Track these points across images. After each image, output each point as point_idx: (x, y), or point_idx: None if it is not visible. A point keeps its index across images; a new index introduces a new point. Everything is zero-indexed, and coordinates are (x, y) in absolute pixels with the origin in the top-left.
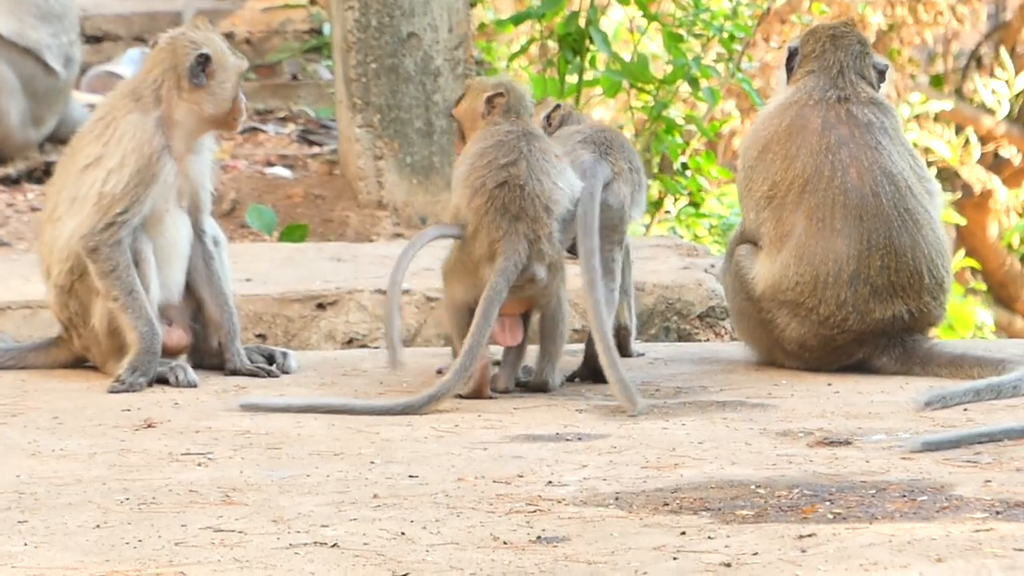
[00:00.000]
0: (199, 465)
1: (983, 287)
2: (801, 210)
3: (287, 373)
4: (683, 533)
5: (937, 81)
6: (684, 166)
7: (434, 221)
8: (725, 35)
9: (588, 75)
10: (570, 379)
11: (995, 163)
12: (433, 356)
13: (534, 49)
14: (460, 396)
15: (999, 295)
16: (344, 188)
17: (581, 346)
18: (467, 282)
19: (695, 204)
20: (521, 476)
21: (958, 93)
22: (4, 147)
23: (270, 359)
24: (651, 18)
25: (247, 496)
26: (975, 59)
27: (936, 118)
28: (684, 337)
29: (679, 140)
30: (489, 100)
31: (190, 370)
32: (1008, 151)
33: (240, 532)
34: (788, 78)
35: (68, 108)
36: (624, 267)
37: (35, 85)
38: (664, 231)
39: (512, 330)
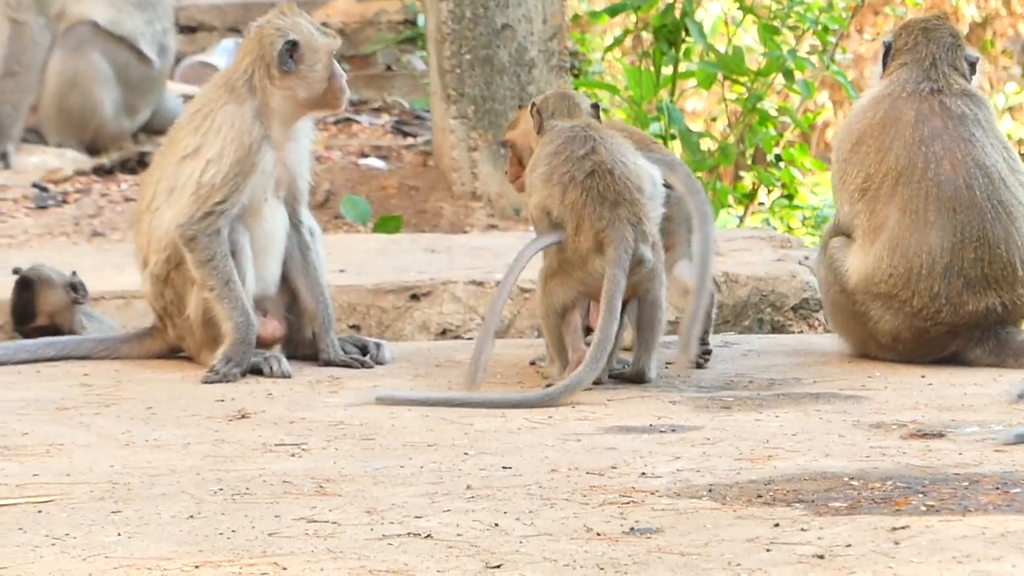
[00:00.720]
0: (293, 456)
1: None
2: (895, 202)
3: (381, 364)
4: (776, 525)
5: None
6: (778, 158)
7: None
8: (819, 27)
9: (682, 67)
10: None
11: None
12: (527, 347)
13: (629, 41)
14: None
15: None
16: (438, 179)
17: (675, 338)
18: (573, 280)
19: (788, 196)
20: (614, 467)
21: None
22: (98, 137)
23: (364, 350)
24: (746, 10)
25: (341, 487)
26: None
27: None
28: (777, 329)
29: (773, 132)
30: (533, 109)
31: (284, 361)
32: None
33: (334, 523)
34: (883, 72)
35: (162, 98)
36: None
37: (129, 74)
38: (758, 223)
39: None
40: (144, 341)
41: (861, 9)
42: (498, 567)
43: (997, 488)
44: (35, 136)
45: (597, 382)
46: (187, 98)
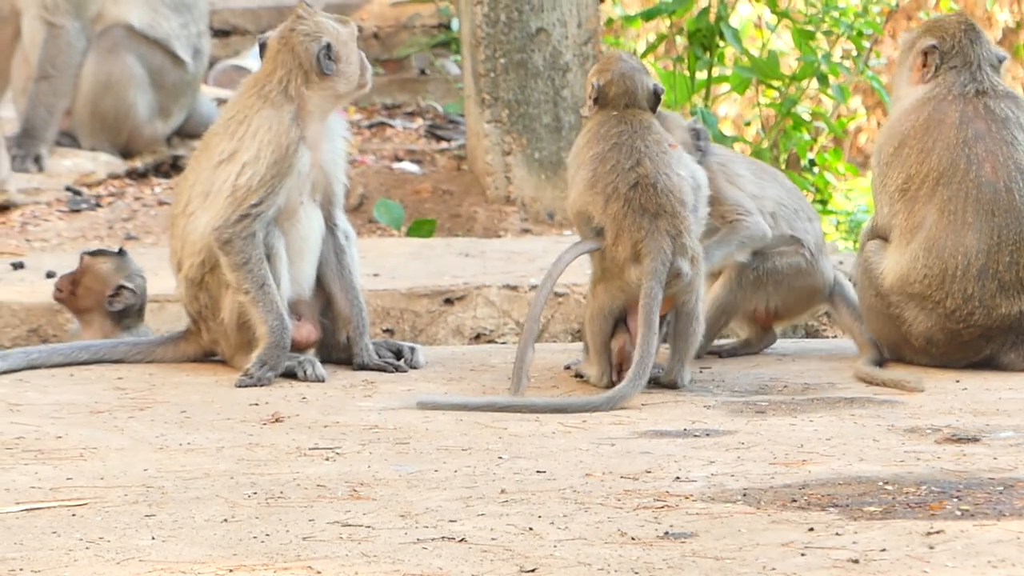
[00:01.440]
0: (327, 460)
1: None
2: (934, 202)
3: (415, 368)
4: (811, 529)
5: None
6: (812, 163)
7: (562, 217)
8: (854, 32)
9: (716, 71)
10: None
11: None
12: (562, 352)
13: (663, 45)
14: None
15: None
16: (472, 183)
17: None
18: (614, 287)
19: (822, 201)
20: (649, 472)
21: None
22: (132, 140)
23: (398, 354)
24: (781, 15)
25: (375, 491)
26: None
27: None
28: (812, 334)
29: (807, 137)
30: (592, 88)
31: (318, 364)
32: None
33: (368, 527)
34: (931, 74)
35: (196, 102)
36: None
37: (163, 77)
38: None
39: None
40: (178, 345)
41: (895, 14)
42: (532, 571)
43: None
44: (69, 139)
45: None
46: (221, 102)
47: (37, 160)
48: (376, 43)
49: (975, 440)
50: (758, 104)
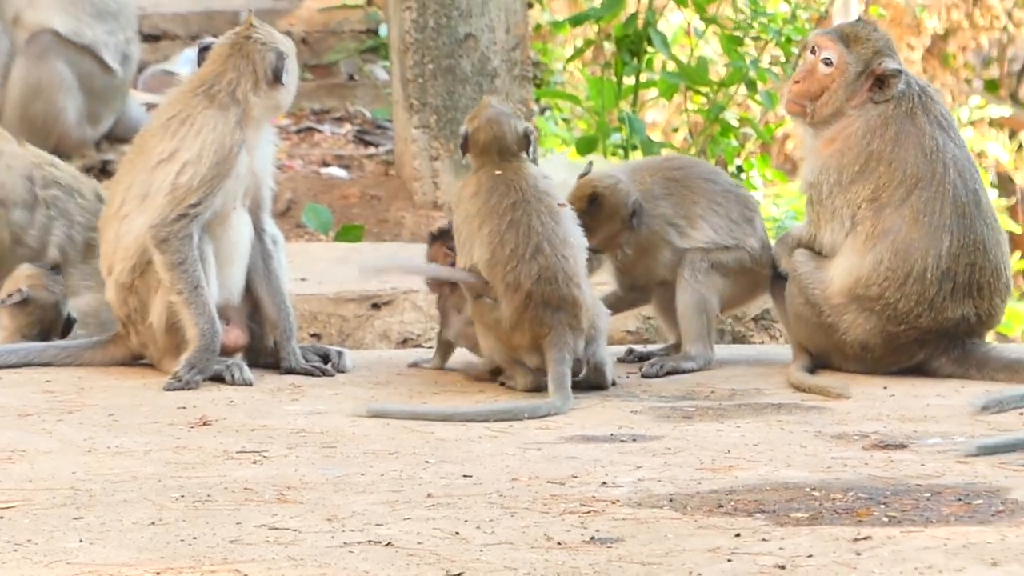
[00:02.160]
0: (254, 463)
1: None
2: (907, 207)
3: (342, 372)
4: (737, 535)
5: (992, 86)
6: (739, 169)
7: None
8: (783, 38)
9: (644, 77)
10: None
11: None
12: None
13: (591, 51)
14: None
15: None
16: (400, 189)
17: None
18: (506, 347)
19: None
20: (575, 476)
21: (1012, 98)
22: (61, 145)
23: (325, 358)
24: (709, 21)
25: (302, 494)
26: None
27: (991, 123)
28: (739, 339)
29: (734, 143)
30: (463, 140)
31: (246, 368)
32: None
33: (295, 530)
34: (870, 96)
35: (125, 106)
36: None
37: (92, 83)
38: None
39: None
40: (107, 348)
41: (824, 20)
42: (459, 575)
43: (959, 499)
44: None
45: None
46: (150, 107)
47: None
48: (305, 48)
49: (902, 447)
50: (686, 110)
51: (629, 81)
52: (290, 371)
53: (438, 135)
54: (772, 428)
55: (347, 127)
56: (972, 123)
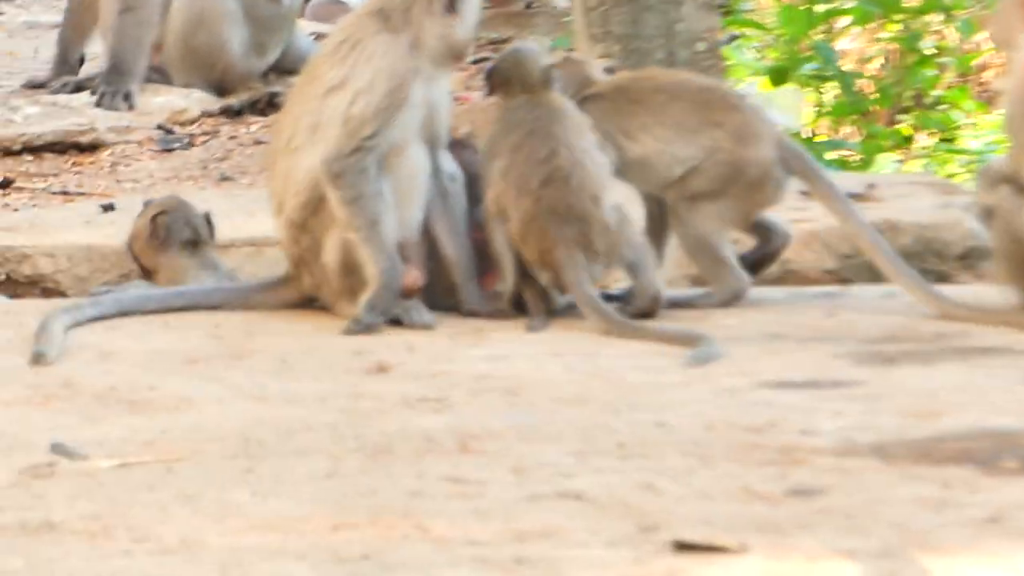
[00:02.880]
0: (435, 411)
1: None
2: None
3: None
4: (946, 485)
5: None
6: (937, 100)
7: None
8: None
9: (837, 4)
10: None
11: None
12: None
13: None
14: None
15: None
16: None
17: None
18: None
19: (947, 140)
20: (773, 424)
21: None
22: (226, 78)
23: None
24: None
25: (486, 444)
26: None
27: None
28: (943, 279)
29: (932, 73)
30: (488, 80)
31: (425, 310)
32: None
33: (479, 482)
34: None
35: (292, 37)
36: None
37: (257, 12)
38: (916, 168)
39: None
40: (277, 290)
41: None
42: (652, 529)
43: None
44: (160, 76)
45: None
46: (319, 36)
47: (127, 97)
48: None
49: None
50: (879, 39)
51: (820, 8)
52: (472, 314)
53: (622, 65)
54: (980, 372)
55: None
56: None
